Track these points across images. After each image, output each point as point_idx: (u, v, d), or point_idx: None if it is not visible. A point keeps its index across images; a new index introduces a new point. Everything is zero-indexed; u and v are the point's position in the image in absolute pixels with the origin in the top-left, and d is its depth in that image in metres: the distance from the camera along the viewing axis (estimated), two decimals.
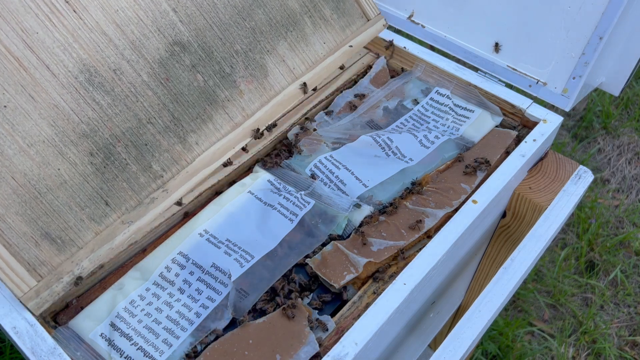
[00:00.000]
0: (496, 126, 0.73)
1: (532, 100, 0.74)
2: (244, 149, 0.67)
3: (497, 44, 0.75)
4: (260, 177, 0.65)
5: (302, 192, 0.64)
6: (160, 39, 0.61)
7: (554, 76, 0.73)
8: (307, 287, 0.57)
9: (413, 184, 0.65)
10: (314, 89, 0.72)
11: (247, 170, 0.69)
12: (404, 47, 0.81)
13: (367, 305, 0.54)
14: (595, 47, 0.67)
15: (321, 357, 0.49)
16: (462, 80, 0.77)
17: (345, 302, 0.56)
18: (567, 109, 0.74)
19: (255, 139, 0.67)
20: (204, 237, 0.60)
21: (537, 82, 0.75)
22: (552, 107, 0.77)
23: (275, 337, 0.51)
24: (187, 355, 0.51)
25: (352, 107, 0.76)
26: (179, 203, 0.61)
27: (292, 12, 0.70)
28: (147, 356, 0.51)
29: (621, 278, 1.44)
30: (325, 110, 0.75)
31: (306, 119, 0.73)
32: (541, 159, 0.74)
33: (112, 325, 0.53)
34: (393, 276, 0.57)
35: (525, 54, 0.75)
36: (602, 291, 1.42)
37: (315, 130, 0.72)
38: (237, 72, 0.66)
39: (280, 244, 0.59)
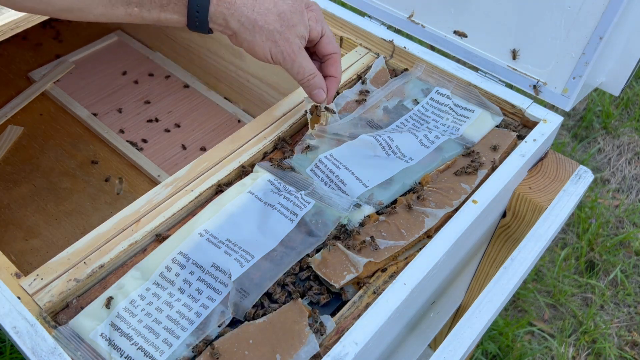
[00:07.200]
0: (496, 126, 0.73)
1: (532, 100, 0.74)
2: None
3: (514, 51, 0.75)
4: (260, 177, 0.65)
5: (302, 192, 0.64)
6: None
7: (554, 76, 0.73)
8: (309, 288, 0.57)
9: (413, 186, 0.65)
10: None
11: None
12: (404, 47, 0.81)
13: (367, 305, 0.54)
14: (595, 47, 0.67)
15: (321, 357, 0.49)
16: (462, 80, 0.77)
17: (345, 302, 0.56)
18: (567, 109, 0.74)
19: None
20: (204, 237, 0.60)
21: (537, 82, 0.75)
22: (552, 107, 0.77)
23: (275, 337, 0.51)
24: (187, 355, 0.51)
25: (352, 107, 0.76)
26: None
27: None
28: (147, 356, 0.51)
29: (621, 278, 1.44)
30: None
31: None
32: (541, 158, 0.74)
33: (112, 325, 0.53)
34: (393, 276, 0.57)
35: (525, 54, 0.75)
36: (602, 291, 1.42)
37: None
38: None
39: (280, 243, 0.59)
